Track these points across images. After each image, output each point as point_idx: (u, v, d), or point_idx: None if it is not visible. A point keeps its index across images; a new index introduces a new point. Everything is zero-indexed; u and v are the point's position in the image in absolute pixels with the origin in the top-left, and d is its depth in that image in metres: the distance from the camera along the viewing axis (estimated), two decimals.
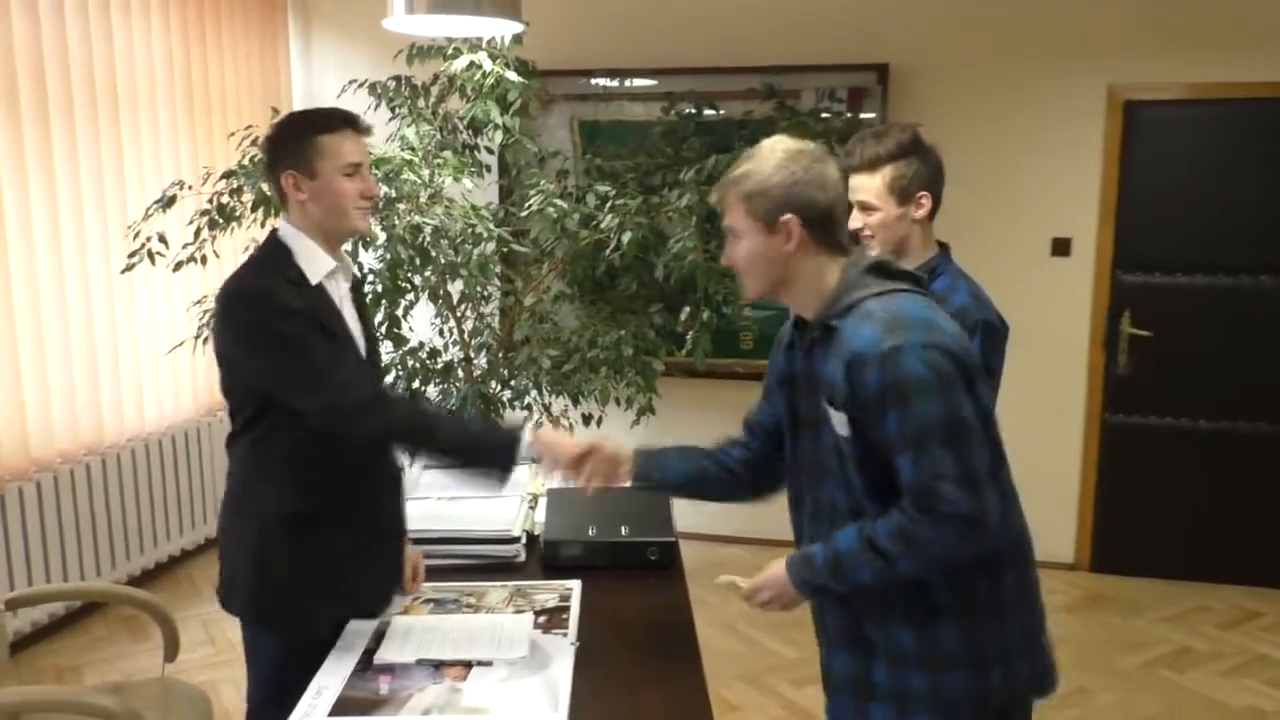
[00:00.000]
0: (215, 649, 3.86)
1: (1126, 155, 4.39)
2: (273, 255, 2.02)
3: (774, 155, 1.71)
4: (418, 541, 2.34)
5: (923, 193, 2.21)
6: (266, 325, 1.92)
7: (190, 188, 3.76)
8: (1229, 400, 4.40)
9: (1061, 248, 4.52)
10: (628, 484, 2.03)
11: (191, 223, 3.73)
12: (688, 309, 3.77)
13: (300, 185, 1.99)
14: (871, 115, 4.50)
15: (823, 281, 1.72)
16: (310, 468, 2.01)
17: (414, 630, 2.06)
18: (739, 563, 4.62)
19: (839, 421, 1.66)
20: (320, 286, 2.02)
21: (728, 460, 2.02)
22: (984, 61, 4.48)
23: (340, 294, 2.09)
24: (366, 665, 1.92)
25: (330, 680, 1.87)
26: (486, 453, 2.02)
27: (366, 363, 2.12)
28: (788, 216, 1.68)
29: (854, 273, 1.71)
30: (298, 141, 1.99)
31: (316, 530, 2.03)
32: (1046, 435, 4.58)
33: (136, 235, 3.67)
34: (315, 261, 2.02)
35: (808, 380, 1.76)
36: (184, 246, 3.72)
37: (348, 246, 3.33)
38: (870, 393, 1.60)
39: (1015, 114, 4.47)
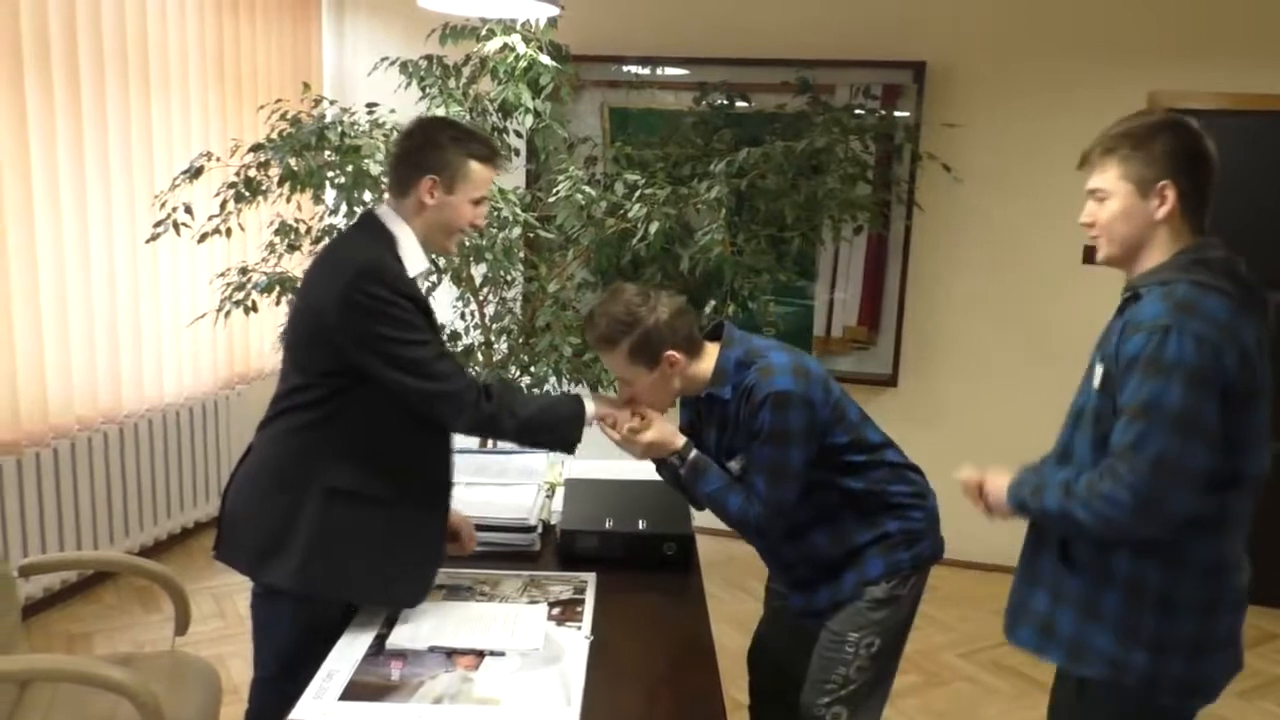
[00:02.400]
0: (225, 622, 3.86)
1: None
2: (381, 238, 2.05)
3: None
4: None
5: (671, 352, 2.11)
6: (394, 304, 1.95)
7: (218, 159, 3.74)
8: None
9: (1093, 255, 4.44)
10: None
11: (218, 195, 3.72)
12: (712, 303, 3.73)
13: (435, 193, 2.05)
14: (906, 114, 4.44)
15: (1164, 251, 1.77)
16: (376, 448, 2.02)
17: (427, 616, 2.04)
18: (755, 561, 4.57)
19: (1097, 373, 1.74)
20: (413, 280, 2.07)
21: None
22: (1024, 64, 4.41)
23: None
24: (378, 650, 1.91)
25: (341, 664, 1.85)
26: (562, 428, 2.13)
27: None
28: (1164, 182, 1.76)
29: (1184, 258, 1.74)
30: (453, 156, 2.05)
31: (367, 509, 2.02)
32: None
33: (162, 205, 3.66)
34: (414, 258, 2.08)
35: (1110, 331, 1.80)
36: (209, 219, 3.71)
37: None
38: (1125, 356, 1.63)
39: (1053, 118, 4.40)
